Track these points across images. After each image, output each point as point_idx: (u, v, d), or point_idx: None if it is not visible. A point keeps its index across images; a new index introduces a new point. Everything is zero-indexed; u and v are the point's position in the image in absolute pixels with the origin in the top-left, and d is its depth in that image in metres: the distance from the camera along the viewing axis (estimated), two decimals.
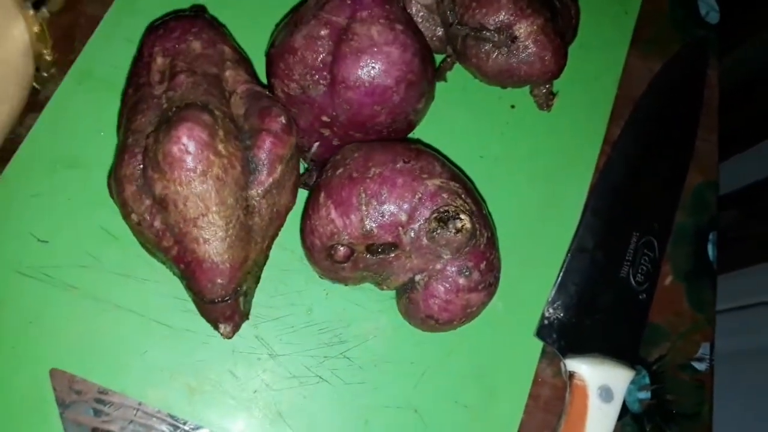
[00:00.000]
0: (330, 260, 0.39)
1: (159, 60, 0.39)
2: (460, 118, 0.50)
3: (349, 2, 0.39)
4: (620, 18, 0.56)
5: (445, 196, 0.38)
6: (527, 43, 0.42)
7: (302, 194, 0.43)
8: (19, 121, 0.45)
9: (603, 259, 0.48)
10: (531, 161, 0.50)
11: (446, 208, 0.38)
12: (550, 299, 0.47)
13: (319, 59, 0.39)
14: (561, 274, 0.47)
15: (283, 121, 0.38)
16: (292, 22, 0.42)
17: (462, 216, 0.37)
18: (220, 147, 0.35)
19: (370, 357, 0.44)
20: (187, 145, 0.33)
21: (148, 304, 0.43)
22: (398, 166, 0.38)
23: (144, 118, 0.37)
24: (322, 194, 0.39)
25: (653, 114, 0.53)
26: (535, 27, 0.42)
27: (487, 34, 0.42)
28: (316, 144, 0.43)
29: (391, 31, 0.39)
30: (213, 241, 0.35)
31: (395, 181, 0.38)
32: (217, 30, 0.41)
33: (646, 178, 0.51)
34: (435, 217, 0.37)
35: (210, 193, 0.34)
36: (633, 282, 0.48)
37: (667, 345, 0.48)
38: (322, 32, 0.39)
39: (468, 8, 0.42)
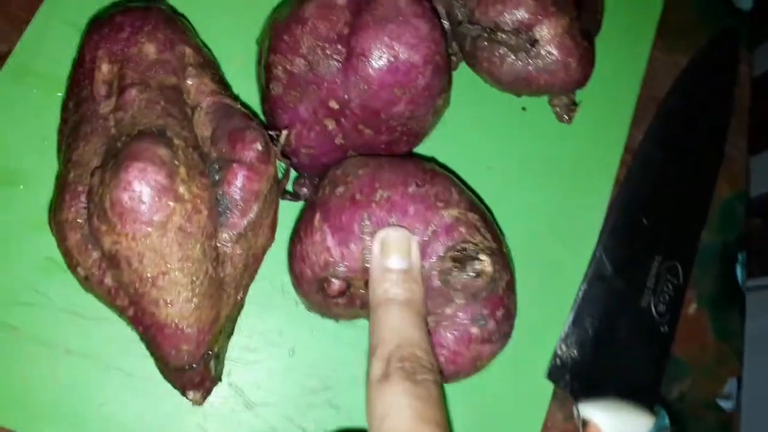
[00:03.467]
0: (321, 294, 0.34)
1: (104, 68, 0.32)
2: (464, 122, 0.44)
3: None
4: (643, 8, 0.49)
5: (462, 230, 0.32)
6: (550, 47, 0.35)
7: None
8: None
9: (622, 286, 0.43)
10: (543, 173, 0.44)
11: (464, 245, 0.32)
12: (563, 335, 0.42)
13: (335, 30, 0.34)
14: (576, 305, 0.42)
15: (259, 147, 0.31)
16: None
17: (482, 257, 0.32)
18: (182, 190, 0.28)
19: (360, 404, 0.38)
20: (140, 191, 0.27)
21: (105, 347, 0.37)
22: (410, 190, 0.33)
23: (87, 145, 0.30)
24: (318, 216, 0.33)
25: (679, 118, 0.47)
26: (559, 29, 0.35)
27: (503, 36, 0.35)
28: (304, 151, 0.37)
29: (419, 3, 0.33)
30: (176, 303, 0.29)
31: (406, 208, 0.32)
32: (176, 26, 0.34)
33: (670, 192, 0.45)
34: (451, 256, 0.32)
35: (171, 248, 0.28)
36: (654, 312, 0.43)
37: (689, 381, 0.44)
38: (339, 1, 0.34)
39: (481, 3, 0.35)
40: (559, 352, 0.41)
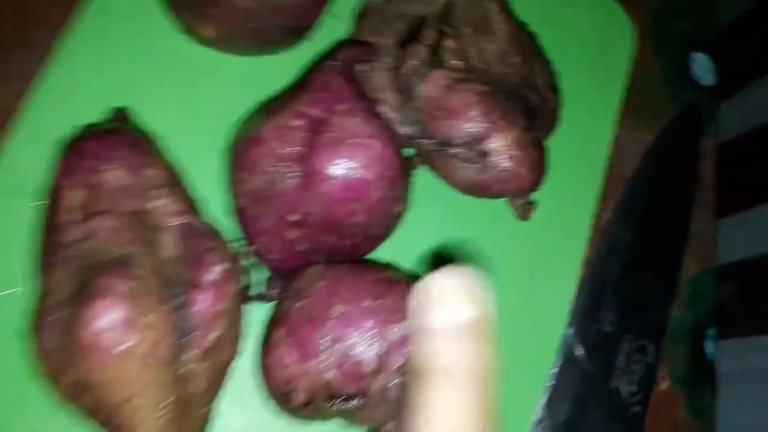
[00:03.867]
0: (287, 404, 0.35)
1: (70, 197, 0.33)
2: (429, 215, 0.44)
3: (324, 95, 0.36)
4: (606, 86, 0.50)
5: None
6: (500, 159, 0.36)
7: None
8: None
9: (592, 369, 0.44)
10: (511, 260, 0.45)
11: None
12: (536, 419, 0.42)
13: (291, 151, 0.35)
14: (548, 390, 0.43)
15: (220, 270, 0.32)
16: (262, 112, 0.38)
17: None
18: (144, 320, 0.29)
19: None
20: (102, 328, 0.28)
21: None
22: (365, 304, 0.34)
23: (61, 273, 0.32)
24: (281, 331, 0.35)
25: (645, 196, 0.48)
26: (508, 141, 0.36)
27: (454, 150, 0.36)
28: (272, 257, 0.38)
29: (371, 123, 0.35)
30: (145, 424, 0.30)
31: (361, 324, 0.33)
32: (142, 148, 0.35)
33: (639, 270, 0.46)
34: (407, 370, 0.33)
35: (136, 376, 0.29)
36: (624, 393, 0.44)
37: None
38: (295, 123, 0.35)
39: (432, 118, 0.36)
40: None
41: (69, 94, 0.42)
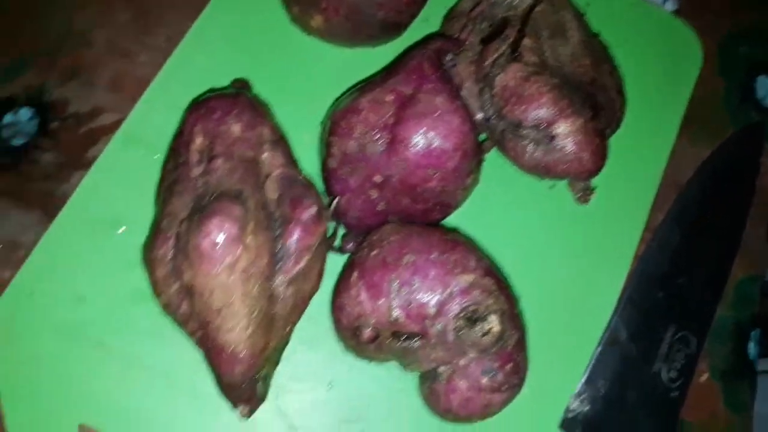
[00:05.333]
0: (355, 340, 0.40)
1: (198, 140, 0.40)
2: (497, 196, 0.49)
3: (414, 76, 0.41)
4: (671, 100, 0.54)
5: (476, 293, 0.38)
6: (565, 142, 0.41)
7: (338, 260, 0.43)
8: (66, 177, 0.47)
9: (635, 352, 0.47)
10: (568, 244, 0.49)
11: (476, 307, 0.37)
12: (577, 391, 0.46)
13: (382, 120, 0.41)
14: (590, 366, 0.46)
15: (313, 211, 0.38)
16: (358, 89, 0.44)
17: (491, 317, 0.37)
18: (249, 240, 0.35)
19: None
20: (217, 239, 0.34)
21: (176, 366, 0.44)
22: (432, 257, 0.38)
23: (179, 201, 0.38)
24: (355, 273, 0.39)
25: (699, 202, 0.51)
26: (574, 127, 0.41)
27: (525, 131, 0.41)
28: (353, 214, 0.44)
29: (453, 102, 0.40)
30: (234, 331, 0.36)
31: (428, 272, 0.38)
32: (258, 110, 0.42)
33: (687, 269, 0.49)
34: (463, 316, 0.37)
35: (235, 285, 0.35)
36: (665, 379, 0.46)
37: None
38: (388, 97, 0.41)
39: (507, 103, 0.42)
40: (572, 407, 0.45)
41: (199, 66, 0.50)
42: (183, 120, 0.42)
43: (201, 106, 0.41)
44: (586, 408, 0.45)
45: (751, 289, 0.51)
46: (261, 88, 0.48)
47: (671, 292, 0.48)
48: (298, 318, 0.40)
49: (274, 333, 0.38)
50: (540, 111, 0.41)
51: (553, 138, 0.41)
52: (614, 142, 0.47)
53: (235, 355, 0.36)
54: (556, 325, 0.47)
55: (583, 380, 0.46)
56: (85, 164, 0.47)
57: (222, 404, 0.41)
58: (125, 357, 0.44)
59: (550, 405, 0.45)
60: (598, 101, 0.44)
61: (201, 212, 0.36)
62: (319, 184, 0.46)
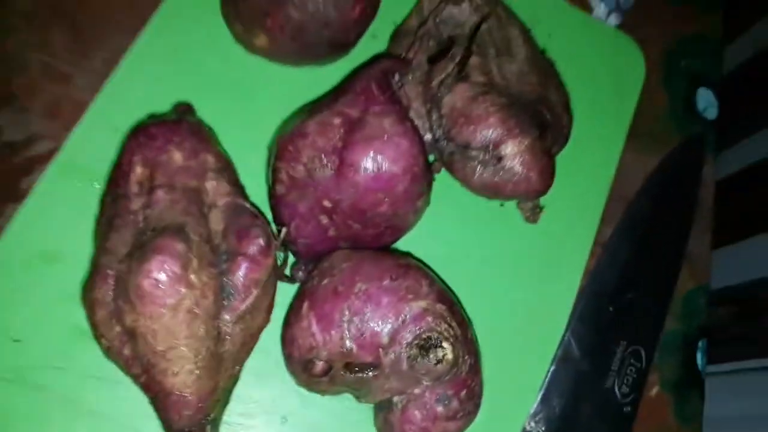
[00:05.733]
0: (307, 373, 0.39)
1: (138, 171, 0.38)
2: (447, 216, 0.49)
3: (362, 98, 0.41)
4: (616, 113, 0.55)
5: (429, 319, 0.37)
6: (513, 163, 0.41)
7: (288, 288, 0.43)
8: None
9: (588, 368, 0.47)
10: (518, 262, 0.49)
11: (428, 334, 0.37)
12: (532, 411, 0.46)
13: (330, 144, 0.40)
14: (545, 385, 0.46)
15: (261, 243, 0.37)
16: (305, 112, 0.43)
17: (444, 344, 0.37)
18: (193, 278, 0.34)
19: None
20: (158, 279, 0.33)
21: (121, 408, 0.42)
22: (384, 283, 0.38)
23: (118, 236, 0.36)
24: (306, 304, 0.39)
25: (646, 216, 0.52)
26: (522, 147, 0.41)
27: (473, 152, 0.41)
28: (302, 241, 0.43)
29: (402, 124, 0.40)
30: (181, 374, 0.34)
31: (380, 300, 0.37)
32: (201, 136, 0.40)
33: (636, 283, 0.50)
34: (416, 344, 0.37)
35: (180, 327, 0.34)
36: (618, 394, 0.47)
37: None
38: (335, 120, 0.40)
39: (455, 124, 0.41)
40: (528, 428, 0.45)
41: (138, 89, 0.48)
42: (121, 149, 0.40)
43: (140, 134, 0.40)
44: (542, 428, 0.45)
45: (698, 300, 0.52)
46: (204, 112, 0.46)
47: (622, 307, 0.49)
48: (248, 355, 0.39)
49: (222, 373, 0.37)
50: (488, 132, 0.41)
51: (501, 159, 0.41)
52: (562, 157, 0.48)
53: (183, 398, 0.35)
54: (509, 344, 0.47)
55: (538, 400, 0.46)
56: (20, 196, 0.45)
57: None
58: (68, 401, 0.41)
59: (506, 428, 0.45)
60: (545, 119, 0.44)
61: (141, 249, 0.34)
62: (267, 211, 0.45)
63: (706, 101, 0.58)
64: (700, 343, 0.51)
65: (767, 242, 0.56)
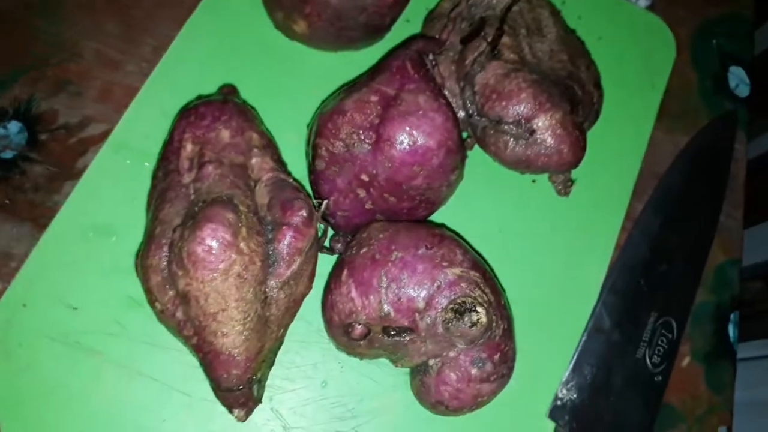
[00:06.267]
0: (347, 336, 0.41)
1: (188, 147, 0.40)
2: (480, 192, 0.51)
3: (397, 76, 0.42)
4: (647, 92, 0.55)
5: (464, 285, 0.39)
6: (545, 136, 0.42)
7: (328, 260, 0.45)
8: (57, 188, 0.48)
9: (620, 339, 0.48)
10: (551, 236, 0.51)
11: (463, 299, 0.38)
12: (564, 379, 0.47)
13: (367, 120, 0.42)
14: (576, 354, 0.48)
15: (304, 214, 0.39)
16: (343, 91, 0.45)
17: (478, 309, 0.38)
18: (242, 245, 0.36)
19: None
20: (211, 245, 0.35)
21: (170, 372, 0.44)
22: (420, 252, 0.39)
23: (171, 207, 0.39)
24: (345, 271, 0.40)
25: (677, 191, 0.52)
26: (553, 121, 0.42)
27: (506, 127, 0.43)
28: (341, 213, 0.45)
29: (436, 100, 0.41)
30: (230, 335, 0.36)
31: (416, 267, 0.39)
32: (246, 116, 0.43)
33: (667, 256, 0.51)
34: (451, 308, 0.38)
35: (230, 290, 0.36)
36: (649, 363, 0.48)
37: (683, 428, 0.48)
38: (372, 98, 0.42)
39: (488, 100, 0.43)
40: (559, 395, 0.47)
41: (186, 74, 0.51)
42: (172, 127, 0.43)
43: (190, 113, 0.42)
44: (574, 396, 0.46)
45: (729, 273, 0.52)
46: (248, 94, 0.49)
47: (652, 279, 0.50)
48: (291, 319, 0.41)
49: (268, 336, 0.39)
50: (520, 106, 0.42)
51: (533, 132, 0.42)
52: (593, 134, 0.49)
53: (232, 358, 0.37)
54: (542, 315, 0.49)
55: (570, 368, 0.47)
56: (76, 174, 0.48)
57: (217, 408, 0.42)
58: (119, 364, 0.44)
59: (538, 395, 0.47)
60: (576, 95, 0.45)
61: (194, 219, 0.36)
62: (308, 186, 0.47)
63: (738, 79, 0.58)
64: (732, 316, 0.51)
65: None
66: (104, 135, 0.49)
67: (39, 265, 0.45)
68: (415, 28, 0.53)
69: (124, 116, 0.49)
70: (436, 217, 0.47)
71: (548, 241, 0.50)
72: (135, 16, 0.53)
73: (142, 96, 0.50)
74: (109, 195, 0.47)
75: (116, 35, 0.52)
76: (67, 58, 0.51)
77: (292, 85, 0.52)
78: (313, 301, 0.44)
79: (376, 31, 0.49)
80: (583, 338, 0.48)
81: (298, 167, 0.48)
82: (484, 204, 0.51)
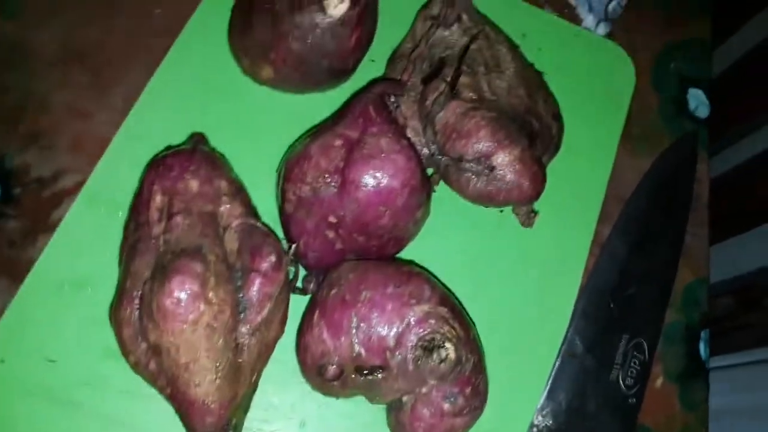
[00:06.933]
0: (321, 378, 0.41)
1: (158, 198, 0.41)
2: (448, 225, 0.52)
3: (360, 120, 0.44)
4: (609, 119, 0.57)
5: (432, 322, 0.40)
6: (504, 172, 0.43)
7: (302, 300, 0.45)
8: (31, 242, 0.48)
9: (593, 363, 0.49)
10: (520, 265, 0.52)
11: (432, 336, 0.39)
12: (539, 406, 0.48)
13: (333, 164, 0.43)
14: (550, 380, 0.48)
15: (273, 259, 0.40)
16: (309, 136, 0.46)
17: (447, 345, 0.39)
18: (211, 295, 0.37)
19: None
20: (179, 297, 0.36)
21: (150, 421, 0.45)
22: (389, 290, 0.40)
23: (142, 260, 0.40)
24: (317, 314, 0.41)
25: (642, 214, 0.54)
26: (511, 157, 0.43)
27: (467, 164, 0.44)
28: (312, 254, 0.46)
29: (398, 142, 0.43)
30: (203, 384, 0.37)
31: (385, 306, 0.40)
32: (214, 164, 0.44)
33: (635, 278, 0.52)
34: (420, 345, 0.39)
35: (200, 341, 0.37)
36: (623, 386, 0.49)
37: None
38: (337, 142, 0.43)
39: (448, 139, 0.44)
40: (535, 422, 0.47)
41: (157, 123, 0.51)
42: (141, 179, 0.44)
43: (158, 164, 0.43)
44: (550, 422, 0.47)
45: (698, 292, 0.54)
46: (219, 139, 0.50)
47: (622, 302, 0.51)
48: (264, 364, 0.42)
49: (241, 382, 0.40)
50: (479, 144, 0.43)
51: (493, 169, 0.44)
52: (557, 162, 0.50)
53: (206, 407, 0.37)
54: (515, 343, 0.49)
55: (544, 395, 0.48)
56: (50, 227, 0.48)
57: None
58: (100, 415, 0.44)
59: (514, 423, 0.48)
60: (534, 129, 0.46)
61: (162, 271, 0.37)
62: (279, 229, 0.48)
63: (697, 100, 0.60)
64: (702, 334, 0.52)
65: (763, 235, 0.58)
66: (78, 186, 0.50)
67: (16, 320, 0.46)
68: (380, 67, 0.54)
69: (96, 168, 0.50)
70: (406, 252, 0.48)
71: (517, 269, 0.51)
72: (104, 66, 0.53)
73: (114, 147, 0.50)
74: (83, 247, 0.48)
75: (85, 86, 0.53)
76: (37, 111, 0.52)
77: (262, 129, 0.53)
78: (289, 342, 0.44)
79: (340, 74, 0.51)
80: (557, 364, 0.49)
81: (271, 210, 0.49)
82: (453, 237, 0.52)
